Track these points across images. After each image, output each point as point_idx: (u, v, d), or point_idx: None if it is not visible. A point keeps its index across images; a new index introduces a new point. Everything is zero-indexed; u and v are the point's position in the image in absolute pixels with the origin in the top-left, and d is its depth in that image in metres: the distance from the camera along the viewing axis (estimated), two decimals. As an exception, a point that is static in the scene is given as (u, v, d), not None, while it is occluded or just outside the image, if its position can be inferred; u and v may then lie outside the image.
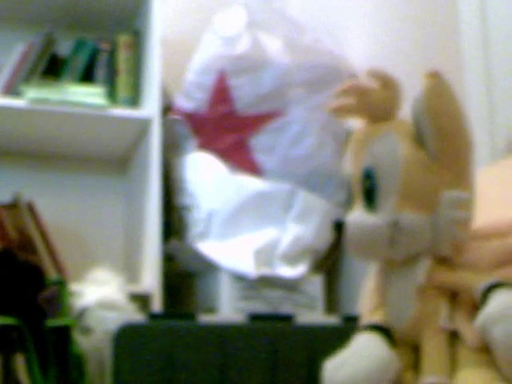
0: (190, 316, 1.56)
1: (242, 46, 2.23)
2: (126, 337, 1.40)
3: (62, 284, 1.59)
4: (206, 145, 2.27)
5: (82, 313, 1.58)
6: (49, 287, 1.55)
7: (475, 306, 0.88)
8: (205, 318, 1.56)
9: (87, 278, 1.70)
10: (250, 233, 2.13)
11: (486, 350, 0.86)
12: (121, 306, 1.62)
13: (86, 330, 1.55)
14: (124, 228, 2.49)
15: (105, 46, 2.39)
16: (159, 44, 2.28)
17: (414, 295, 0.93)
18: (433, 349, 0.91)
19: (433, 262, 0.93)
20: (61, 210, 2.44)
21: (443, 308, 0.92)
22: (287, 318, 1.59)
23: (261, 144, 2.21)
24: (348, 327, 1.00)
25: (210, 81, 2.25)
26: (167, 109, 2.37)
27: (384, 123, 0.97)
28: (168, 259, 2.22)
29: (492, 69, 1.75)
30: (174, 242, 2.24)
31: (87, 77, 2.36)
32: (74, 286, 1.64)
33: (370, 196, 0.95)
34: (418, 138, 0.94)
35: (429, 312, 0.92)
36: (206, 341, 1.44)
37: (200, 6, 2.71)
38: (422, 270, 0.93)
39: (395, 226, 0.92)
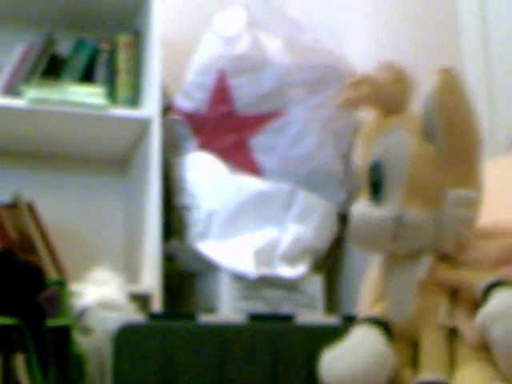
0: (190, 316, 1.56)
1: (242, 46, 2.23)
2: (125, 337, 1.40)
3: (62, 284, 1.59)
4: (206, 145, 2.27)
5: (82, 313, 1.58)
6: (49, 287, 1.55)
7: (476, 304, 0.88)
8: (205, 318, 1.56)
9: (87, 278, 1.69)
10: (250, 233, 2.13)
11: (485, 348, 0.86)
12: (121, 306, 1.62)
13: (86, 330, 1.55)
14: (124, 228, 2.49)
15: (105, 46, 2.39)
16: (159, 44, 2.28)
17: (415, 291, 0.93)
18: (431, 345, 0.91)
19: (435, 259, 0.94)
20: (61, 210, 2.44)
21: (443, 305, 0.92)
22: (287, 318, 1.59)
23: (261, 144, 2.21)
24: (348, 327, 0.99)
25: (210, 81, 2.25)
26: (167, 109, 2.37)
27: (394, 116, 0.97)
28: (168, 259, 2.21)
29: (492, 69, 1.75)
30: (174, 242, 2.24)
31: (87, 77, 2.36)
32: (74, 286, 1.64)
33: (377, 189, 0.95)
34: (427, 134, 0.94)
35: (429, 308, 0.93)
36: (206, 341, 1.44)
37: (200, 5, 2.71)
38: (424, 265, 0.93)
39: (399, 220, 0.92)
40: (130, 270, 2.28)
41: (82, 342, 1.52)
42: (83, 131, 2.32)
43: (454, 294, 0.93)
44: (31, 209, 2.26)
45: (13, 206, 2.25)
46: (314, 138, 2.20)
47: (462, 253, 0.94)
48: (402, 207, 0.92)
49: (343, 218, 2.19)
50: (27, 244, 2.19)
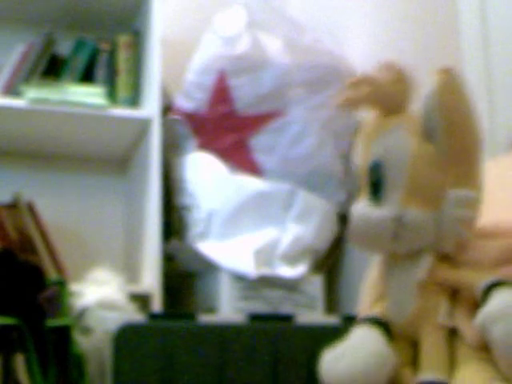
0: (190, 316, 1.56)
1: (242, 46, 2.23)
2: (125, 337, 1.40)
3: (62, 284, 1.59)
4: (206, 145, 2.27)
5: (82, 313, 1.58)
6: (49, 287, 1.55)
7: (476, 304, 0.88)
8: (205, 318, 1.56)
9: (87, 278, 1.69)
10: (250, 233, 2.13)
11: (485, 348, 0.86)
12: (121, 306, 1.62)
13: (86, 330, 1.55)
14: (124, 228, 2.49)
15: (105, 46, 2.39)
16: (159, 44, 2.28)
17: (415, 290, 0.93)
18: (431, 345, 0.91)
19: (435, 259, 0.94)
20: (61, 210, 2.44)
21: (443, 305, 0.92)
22: (287, 318, 1.59)
23: (261, 144, 2.21)
24: (348, 327, 0.99)
25: (210, 81, 2.25)
26: (167, 109, 2.37)
27: (394, 116, 0.97)
28: (168, 259, 2.21)
29: (492, 69, 1.75)
30: (174, 242, 2.24)
31: (87, 77, 2.36)
32: (74, 286, 1.64)
33: (377, 189, 0.95)
34: (427, 134, 0.94)
35: (429, 308, 0.93)
36: (206, 341, 1.44)
37: (200, 5, 2.71)
38: (424, 265, 0.93)
39: (399, 220, 0.92)
40: (130, 270, 2.28)
41: (82, 342, 1.52)
42: (83, 131, 2.32)
43: (454, 294, 0.93)
44: (31, 209, 2.26)
45: (13, 206, 2.25)
46: (314, 138, 2.20)
47: (462, 253, 0.94)
48: (402, 207, 0.92)
49: (343, 218, 2.19)
50: (27, 244, 2.19)
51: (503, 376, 0.84)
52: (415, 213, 0.92)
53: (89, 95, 2.23)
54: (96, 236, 2.47)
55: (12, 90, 2.26)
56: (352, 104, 1.00)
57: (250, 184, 2.17)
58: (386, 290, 0.98)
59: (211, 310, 2.08)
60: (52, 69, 2.36)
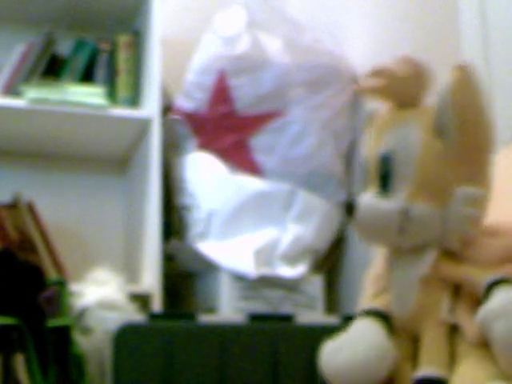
0: (190, 316, 1.56)
1: (242, 46, 2.23)
2: (125, 337, 1.40)
3: (62, 284, 1.58)
4: (206, 145, 2.27)
5: (82, 313, 1.58)
6: (49, 287, 1.55)
7: (477, 301, 0.88)
8: (205, 318, 1.56)
9: (87, 278, 1.69)
10: (250, 233, 2.13)
11: (485, 345, 0.86)
12: (121, 306, 1.62)
13: (86, 330, 1.55)
14: (124, 228, 2.49)
15: (105, 46, 2.39)
16: (159, 44, 2.28)
17: (418, 285, 0.93)
18: (432, 340, 0.91)
19: (439, 254, 0.94)
20: (61, 210, 2.44)
21: (445, 301, 0.92)
22: (287, 318, 1.59)
23: (261, 144, 2.21)
24: (348, 327, 0.99)
25: (210, 81, 2.25)
26: (167, 109, 2.37)
27: (408, 110, 0.97)
28: (168, 259, 2.21)
29: (492, 69, 1.75)
30: (174, 242, 2.24)
31: (87, 77, 2.36)
32: (74, 286, 1.64)
33: (385, 181, 0.95)
34: (440, 130, 0.94)
35: (430, 303, 0.93)
36: (206, 341, 1.44)
37: (200, 5, 2.71)
38: (427, 261, 0.93)
39: (406, 214, 0.92)
40: (129, 270, 2.27)
41: (82, 342, 1.52)
42: (83, 131, 2.32)
43: (457, 290, 0.93)
44: (31, 209, 2.26)
45: (13, 206, 2.25)
46: (314, 138, 2.20)
47: (467, 250, 0.94)
48: (409, 201, 0.92)
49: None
50: (27, 244, 2.19)
51: (503, 373, 0.84)
52: (422, 207, 0.92)
53: (89, 95, 2.23)
54: (96, 236, 2.47)
55: (12, 90, 2.26)
56: (367, 93, 1.00)
57: (250, 184, 2.17)
58: (389, 284, 0.98)
59: (211, 310, 2.08)
60: (52, 69, 2.36)
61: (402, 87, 0.97)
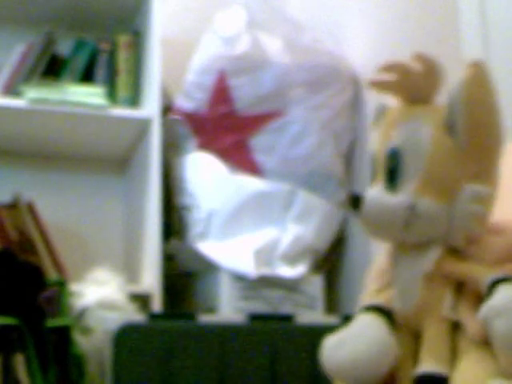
0: (190, 316, 1.56)
1: (242, 46, 2.23)
2: (125, 337, 1.40)
3: (62, 284, 1.59)
4: (206, 145, 2.27)
5: (82, 313, 1.58)
6: (49, 287, 1.55)
7: (480, 299, 0.88)
8: (205, 318, 1.56)
9: (87, 278, 1.69)
10: (250, 233, 2.13)
11: (487, 342, 0.86)
12: (121, 306, 1.62)
13: (86, 330, 1.55)
14: (124, 228, 2.49)
15: (105, 46, 2.39)
16: (159, 44, 2.28)
17: (421, 281, 0.93)
18: (433, 337, 0.91)
19: (444, 251, 0.94)
20: (61, 210, 2.44)
21: (448, 297, 0.92)
22: (287, 318, 1.59)
23: (261, 144, 2.21)
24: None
25: (210, 81, 2.25)
26: (167, 109, 2.37)
27: (419, 106, 0.98)
28: (168, 259, 2.21)
29: (492, 69, 1.75)
30: (174, 242, 2.24)
31: (87, 77, 2.36)
32: (74, 286, 1.64)
33: (393, 176, 0.95)
34: (450, 127, 0.94)
35: (433, 300, 0.93)
36: (206, 341, 1.44)
37: (200, 5, 2.71)
38: (431, 257, 0.93)
39: (412, 209, 0.92)
40: (129, 270, 2.27)
41: (82, 342, 1.52)
42: (83, 131, 2.32)
43: (460, 287, 0.93)
44: (31, 209, 2.26)
45: (13, 206, 2.25)
46: (314, 138, 2.20)
47: (471, 247, 0.94)
48: (416, 196, 0.93)
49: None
50: (27, 244, 2.19)
51: (503, 370, 0.84)
52: (428, 203, 0.92)
53: (89, 95, 2.23)
54: (96, 236, 2.47)
55: (12, 90, 2.26)
56: (379, 88, 1.00)
57: (250, 184, 2.17)
58: (393, 279, 0.98)
59: (211, 309, 2.08)
60: (52, 69, 2.36)
61: (415, 83, 0.97)
